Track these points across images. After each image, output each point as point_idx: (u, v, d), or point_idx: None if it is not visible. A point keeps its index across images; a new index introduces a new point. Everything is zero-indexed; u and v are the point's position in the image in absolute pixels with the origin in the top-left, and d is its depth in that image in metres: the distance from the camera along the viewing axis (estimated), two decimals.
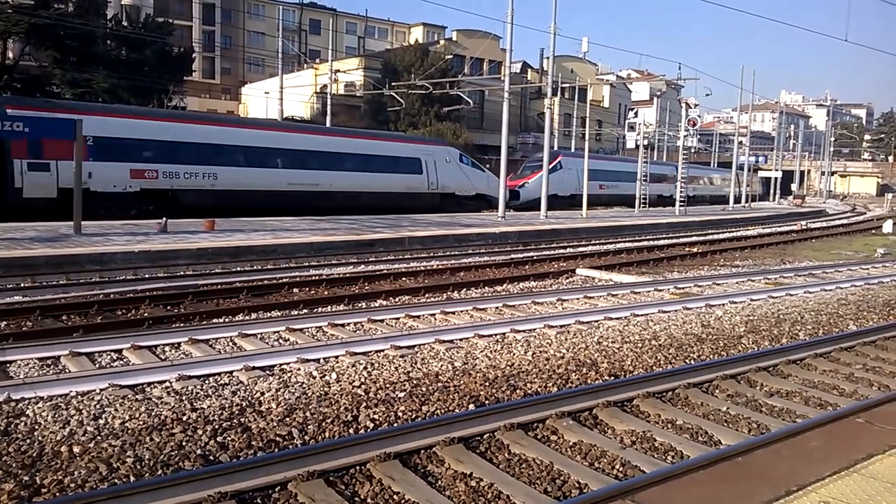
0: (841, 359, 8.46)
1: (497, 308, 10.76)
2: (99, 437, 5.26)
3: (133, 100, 38.27)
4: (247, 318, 9.74)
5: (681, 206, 38.27)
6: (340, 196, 28.87)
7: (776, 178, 68.00)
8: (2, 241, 14.82)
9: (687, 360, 8.15)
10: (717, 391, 6.99)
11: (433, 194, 33.58)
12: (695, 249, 20.62)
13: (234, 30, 74.60)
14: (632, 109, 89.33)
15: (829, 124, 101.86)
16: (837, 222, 39.79)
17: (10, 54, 38.41)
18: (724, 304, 11.65)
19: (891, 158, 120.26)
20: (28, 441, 5.16)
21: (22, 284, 11.52)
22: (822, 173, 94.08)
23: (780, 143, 74.65)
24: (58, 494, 4.37)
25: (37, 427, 5.43)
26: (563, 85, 55.03)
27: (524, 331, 9.10)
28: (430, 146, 35.40)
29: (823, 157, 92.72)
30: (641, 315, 10.47)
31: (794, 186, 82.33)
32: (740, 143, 61.84)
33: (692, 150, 71.81)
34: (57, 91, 36.62)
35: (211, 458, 5.02)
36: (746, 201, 54.84)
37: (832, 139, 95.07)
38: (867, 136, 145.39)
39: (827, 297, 13.04)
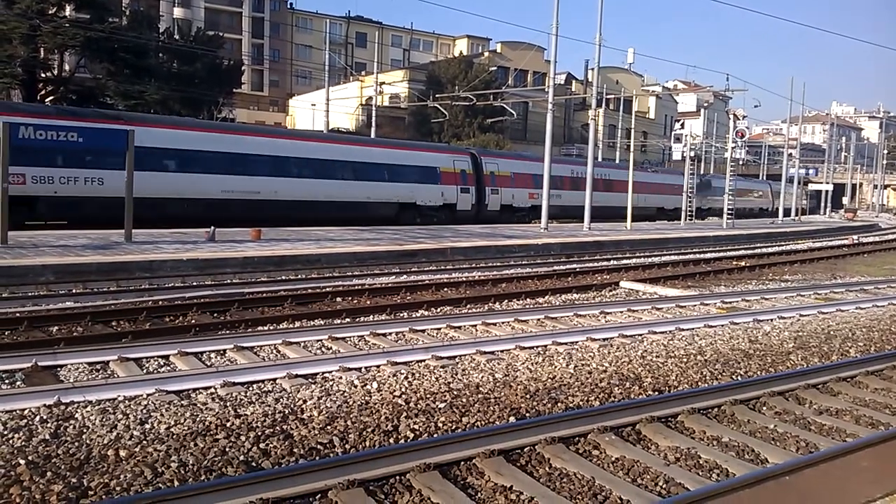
0: (894, 377, 8.21)
1: (539, 320, 10.70)
2: (145, 442, 5.36)
3: (184, 111, 39.16)
4: (290, 326, 9.85)
5: (728, 219, 37.68)
6: None
7: (827, 192, 66.61)
8: (55, 248, 15.23)
9: (733, 376, 7.99)
10: (764, 408, 6.83)
11: None
12: (742, 263, 20.24)
13: (283, 43, 75.91)
14: (678, 121, 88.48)
15: (882, 136, 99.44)
16: (891, 237, 38.68)
17: (67, 67, 39.59)
18: (772, 320, 11.41)
19: None
20: (76, 444, 5.28)
21: (74, 290, 11.84)
22: (875, 186, 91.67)
23: (831, 156, 73.10)
24: (104, 497, 4.45)
25: (85, 430, 5.55)
26: (608, 96, 54.82)
27: (566, 343, 9.02)
28: None
29: (876, 170, 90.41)
30: (687, 329, 10.31)
31: (845, 200, 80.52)
32: (790, 155, 60.64)
33: (740, 162, 70.71)
34: (110, 102, 37.62)
35: (253, 464, 5.07)
36: (796, 215, 53.77)
37: (885, 151, 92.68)
38: None
39: (879, 313, 12.69)
